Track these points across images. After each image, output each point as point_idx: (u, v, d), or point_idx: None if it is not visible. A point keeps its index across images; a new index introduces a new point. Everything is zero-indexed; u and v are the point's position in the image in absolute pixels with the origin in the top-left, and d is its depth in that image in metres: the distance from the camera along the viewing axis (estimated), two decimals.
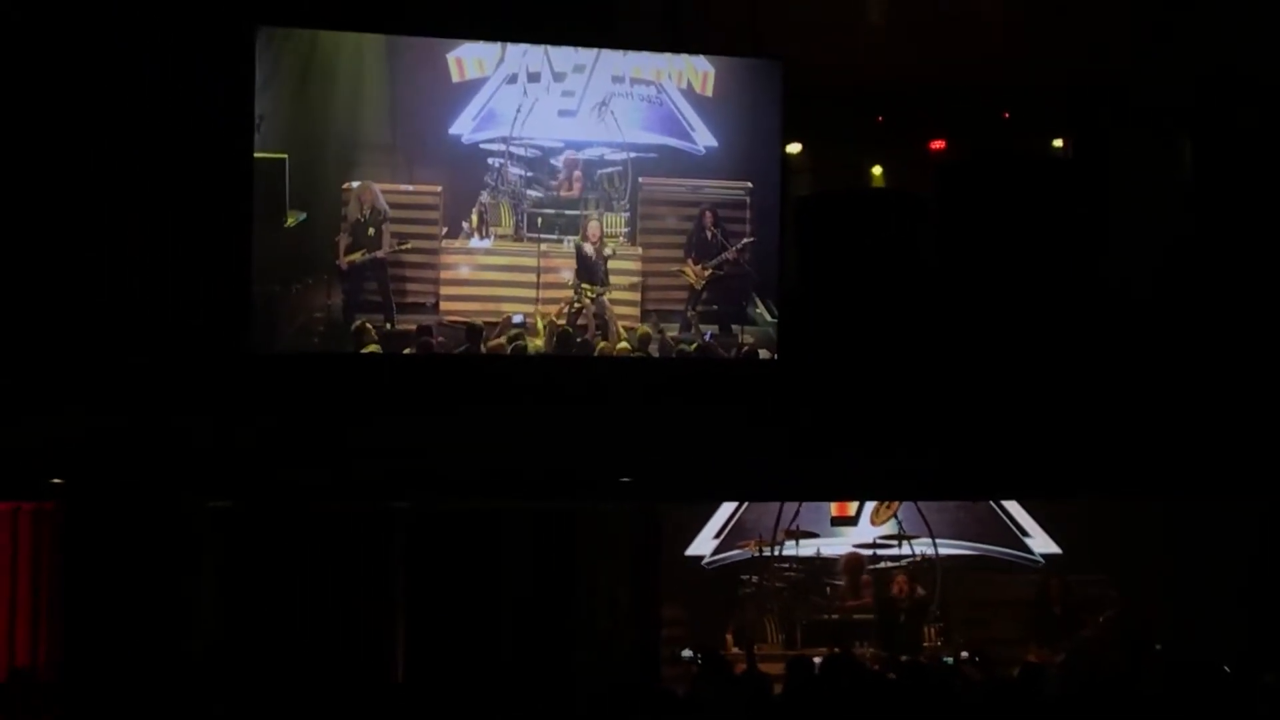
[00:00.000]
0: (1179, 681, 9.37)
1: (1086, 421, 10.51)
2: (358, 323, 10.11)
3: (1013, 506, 13.99)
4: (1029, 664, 10.84)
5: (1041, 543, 14.04)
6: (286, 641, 11.19)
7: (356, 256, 10.11)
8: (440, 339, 10.23)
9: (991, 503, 13.89)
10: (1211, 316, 10.85)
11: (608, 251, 10.50)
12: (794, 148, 11.63)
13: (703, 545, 13.98)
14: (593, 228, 10.50)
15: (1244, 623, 12.43)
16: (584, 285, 10.46)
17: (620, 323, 10.54)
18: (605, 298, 10.49)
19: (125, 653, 10.55)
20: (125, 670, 10.49)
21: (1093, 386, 10.59)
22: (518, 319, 10.33)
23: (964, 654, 12.36)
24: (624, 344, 10.52)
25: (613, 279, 10.53)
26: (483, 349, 10.26)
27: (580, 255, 10.50)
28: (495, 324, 10.30)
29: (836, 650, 12.22)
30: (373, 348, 10.10)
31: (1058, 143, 12.40)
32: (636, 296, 10.63)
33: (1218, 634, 12.19)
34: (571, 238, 10.51)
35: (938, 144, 12.30)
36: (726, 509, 13.93)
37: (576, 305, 10.44)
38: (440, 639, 11.57)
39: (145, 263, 9.83)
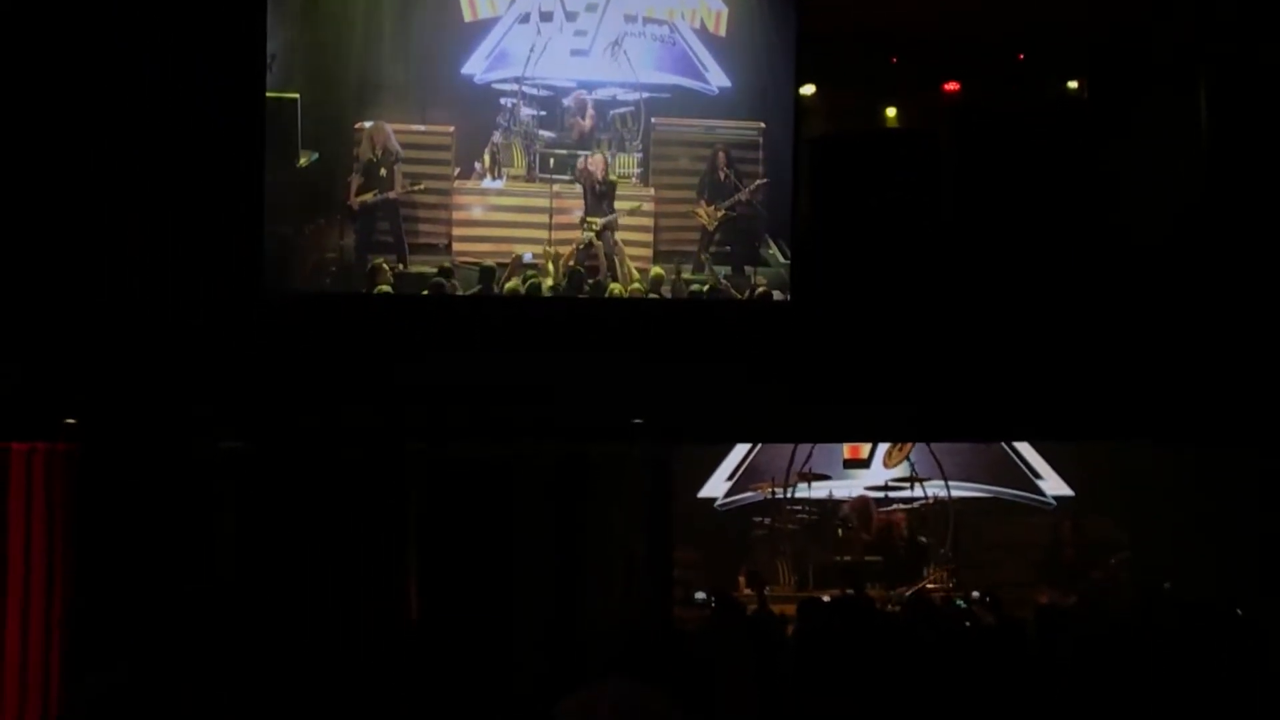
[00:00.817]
0: (1191, 623, 9.39)
1: (1099, 364, 10.49)
2: (372, 263, 10.10)
3: (1025, 448, 13.99)
4: (1044, 607, 10.83)
5: (1054, 485, 14.06)
6: (298, 584, 11.20)
7: (368, 197, 10.09)
8: (453, 284, 10.22)
9: (1004, 444, 13.90)
10: (1226, 262, 10.81)
11: (611, 177, 10.46)
12: (807, 89, 11.56)
13: (715, 488, 14.02)
14: (594, 160, 10.46)
15: (1254, 566, 12.42)
16: (588, 219, 10.43)
17: (633, 264, 10.52)
18: (615, 235, 10.45)
19: (138, 593, 10.57)
20: (137, 610, 10.52)
21: (1105, 329, 10.57)
22: (528, 258, 10.31)
23: (975, 594, 12.37)
24: (636, 285, 10.50)
25: (617, 209, 10.49)
26: (495, 290, 10.24)
27: (584, 188, 10.46)
28: (506, 265, 10.28)
29: (849, 591, 12.29)
30: (385, 288, 10.09)
31: (1073, 85, 12.31)
32: (649, 237, 10.60)
33: (1228, 576, 12.18)
34: None
35: (951, 86, 12.22)
36: (739, 451, 13.95)
37: (583, 243, 10.40)
38: (453, 583, 11.58)
39: (158, 204, 9.81)
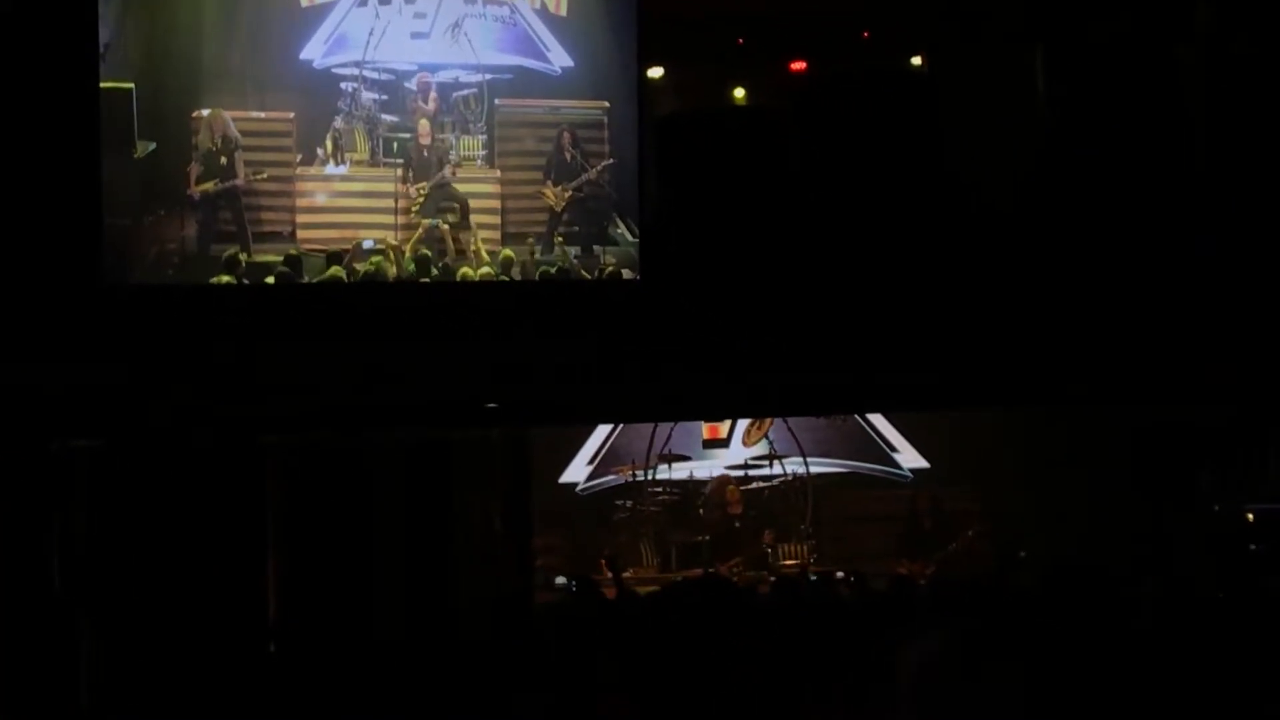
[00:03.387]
0: (1056, 582, 9.50)
1: (950, 334, 10.61)
2: (228, 254, 9.96)
3: (880, 422, 14.14)
4: (897, 576, 10.96)
5: (909, 458, 14.22)
6: (156, 580, 11.08)
7: (209, 186, 9.96)
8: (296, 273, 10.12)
9: (859, 418, 14.03)
10: (1066, 226, 10.98)
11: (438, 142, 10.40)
12: (656, 71, 11.60)
13: (576, 472, 14.05)
14: (423, 126, 10.38)
15: (1113, 532, 12.64)
16: (416, 185, 10.35)
17: (483, 246, 10.47)
18: (469, 218, 10.40)
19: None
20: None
21: (954, 296, 10.69)
22: (368, 244, 10.23)
23: (840, 574, 12.46)
24: (487, 269, 10.46)
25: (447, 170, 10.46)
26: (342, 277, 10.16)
27: (408, 156, 10.38)
28: (348, 250, 10.19)
29: (711, 570, 12.35)
30: (228, 278, 9.97)
31: (916, 60, 12.46)
32: (497, 220, 10.57)
33: (1084, 544, 12.40)
34: None
35: (798, 65, 12.31)
36: (599, 435, 13.97)
37: (428, 226, 10.31)
38: (314, 572, 11.51)
39: None
